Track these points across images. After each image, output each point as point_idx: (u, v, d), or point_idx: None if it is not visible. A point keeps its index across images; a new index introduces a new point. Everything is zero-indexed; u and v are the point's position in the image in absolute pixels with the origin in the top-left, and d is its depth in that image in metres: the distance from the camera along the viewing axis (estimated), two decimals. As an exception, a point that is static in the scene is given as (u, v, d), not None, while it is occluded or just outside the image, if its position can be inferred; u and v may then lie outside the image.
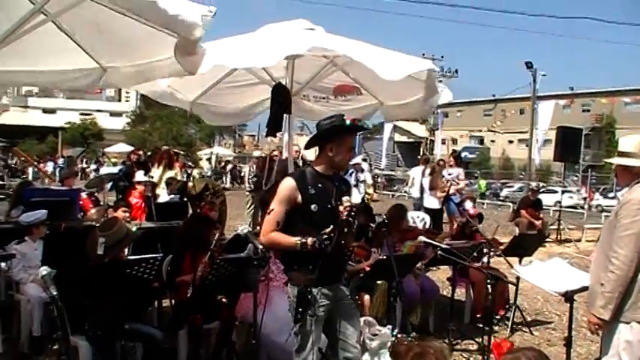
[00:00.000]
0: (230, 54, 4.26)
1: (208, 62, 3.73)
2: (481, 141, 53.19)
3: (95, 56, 3.90)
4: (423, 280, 5.46)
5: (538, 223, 11.37)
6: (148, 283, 3.78)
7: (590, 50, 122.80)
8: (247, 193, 10.72)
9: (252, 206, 10.32)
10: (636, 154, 3.14)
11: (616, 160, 3.27)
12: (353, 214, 2.97)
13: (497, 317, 5.71)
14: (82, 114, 52.25)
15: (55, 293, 2.89)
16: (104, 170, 14.74)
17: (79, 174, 24.56)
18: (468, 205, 6.99)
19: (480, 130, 51.89)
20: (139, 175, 8.16)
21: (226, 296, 4.34)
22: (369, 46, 4.69)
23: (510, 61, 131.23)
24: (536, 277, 3.77)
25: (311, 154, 7.15)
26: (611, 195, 25.18)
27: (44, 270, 2.94)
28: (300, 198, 3.05)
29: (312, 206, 3.04)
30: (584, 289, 3.35)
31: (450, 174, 10.56)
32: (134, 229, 5.29)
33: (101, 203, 7.64)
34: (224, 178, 30.08)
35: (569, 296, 3.42)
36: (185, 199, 8.27)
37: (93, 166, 33.22)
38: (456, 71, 32.54)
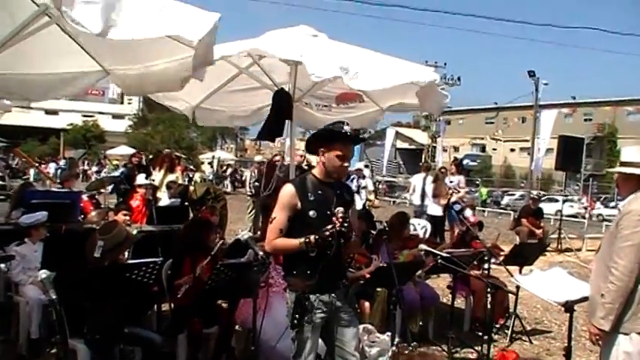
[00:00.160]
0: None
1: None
2: (483, 149, 53.21)
3: (99, 59, 3.91)
4: (423, 288, 5.45)
5: (539, 231, 11.38)
6: (147, 287, 3.76)
7: (593, 60, 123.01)
8: (248, 198, 10.73)
9: (253, 211, 10.34)
10: (638, 164, 3.13)
11: (618, 170, 3.27)
12: (346, 224, 2.94)
13: (497, 326, 5.69)
14: (84, 116, 52.28)
15: (54, 296, 2.88)
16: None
17: (81, 176, 24.53)
18: (468, 213, 7.01)
19: (482, 138, 51.98)
20: (140, 179, 8.14)
21: (226, 301, 4.34)
22: (373, 53, 4.69)
23: (513, 69, 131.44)
24: (536, 287, 3.75)
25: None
26: (612, 204, 25.17)
27: (43, 273, 2.93)
28: (299, 204, 3.05)
29: (311, 213, 3.04)
30: (585, 299, 3.33)
31: (451, 181, 10.57)
32: (135, 232, 5.30)
33: (102, 206, 7.65)
34: (225, 182, 30.06)
35: (569, 306, 3.39)
36: (186, 203, 8.28)
37: (95, 168, 33.30)
38: (459, 79, 32.48)
